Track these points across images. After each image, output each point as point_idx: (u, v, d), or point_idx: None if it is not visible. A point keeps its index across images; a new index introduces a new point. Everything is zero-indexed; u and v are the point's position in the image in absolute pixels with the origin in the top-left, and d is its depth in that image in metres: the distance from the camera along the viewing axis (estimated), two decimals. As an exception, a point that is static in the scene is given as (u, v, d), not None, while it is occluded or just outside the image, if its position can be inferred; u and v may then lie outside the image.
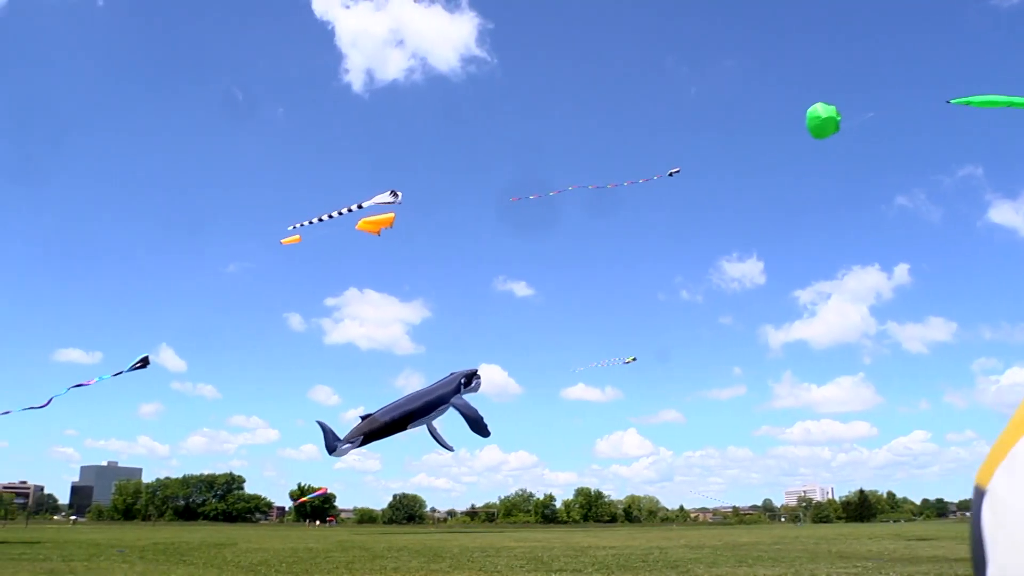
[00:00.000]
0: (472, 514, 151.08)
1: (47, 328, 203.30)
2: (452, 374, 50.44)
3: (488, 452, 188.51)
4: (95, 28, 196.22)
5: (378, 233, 34.31)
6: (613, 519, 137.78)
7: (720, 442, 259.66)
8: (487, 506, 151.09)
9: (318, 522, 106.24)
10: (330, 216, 31.09)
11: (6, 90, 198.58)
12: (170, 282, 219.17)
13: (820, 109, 16.16)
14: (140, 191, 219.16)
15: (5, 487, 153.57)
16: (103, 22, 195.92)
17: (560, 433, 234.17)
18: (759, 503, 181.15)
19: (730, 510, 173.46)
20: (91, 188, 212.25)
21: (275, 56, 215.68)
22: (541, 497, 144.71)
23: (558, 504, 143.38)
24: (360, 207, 31.07)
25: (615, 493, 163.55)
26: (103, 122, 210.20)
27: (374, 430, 47.49)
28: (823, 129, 16.47)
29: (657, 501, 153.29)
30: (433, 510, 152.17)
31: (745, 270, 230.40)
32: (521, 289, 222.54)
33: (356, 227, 34.55)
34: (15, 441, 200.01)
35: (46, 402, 25.95)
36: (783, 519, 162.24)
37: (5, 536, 37.44)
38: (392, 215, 34.49)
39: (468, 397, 49.44)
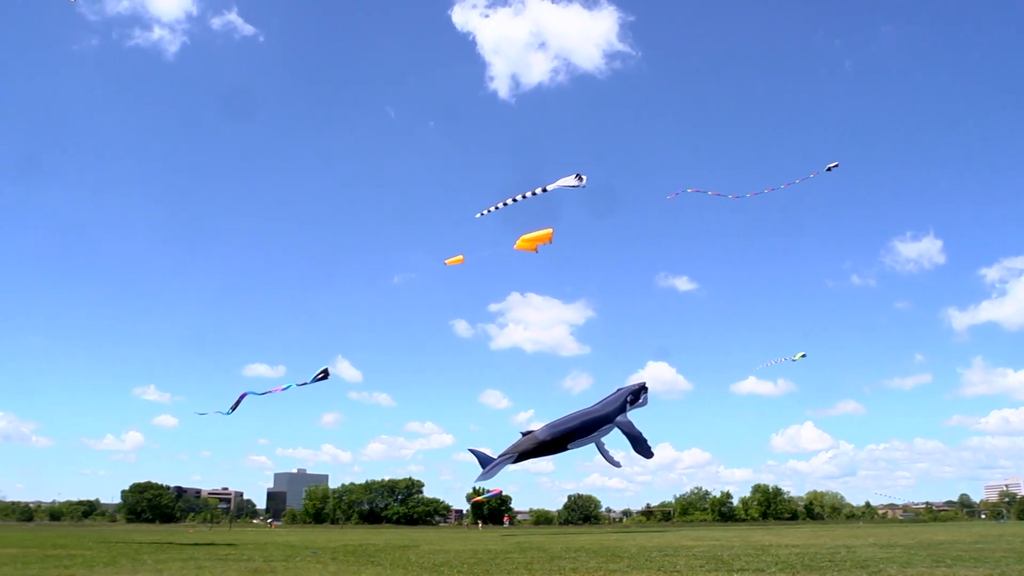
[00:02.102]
0: (647, 513, 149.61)
1: (238, 344, 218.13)
2: (619, 390, 49.56)
3: (661, 451, 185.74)
4: (261, 65, 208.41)
5: (535, 250, 34.65)
6: (793, 516, 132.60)
7: (906, 434, 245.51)
8: (662, 505, 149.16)
9: (484, 524, 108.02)
10: (514, 200, 31.40)
11: (200, 123, 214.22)
12: (342, 297, 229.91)
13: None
14: (311, 218, 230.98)
15: (210, 493, 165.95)
16: (266, 59, 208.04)
17: (733, 429, 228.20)
18: (954, 499, 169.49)
19: (922, 506, 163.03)
20: (269, 219, 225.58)
21: (422, 72, 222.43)
22: (717, 495, 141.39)
23: (735, 502, 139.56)
24: (544, 190, 31.24)
25: (794, 489, 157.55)
26: (272, 153, 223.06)
27: (531, 448, 47.12)
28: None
29: (841, 497, 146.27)
30: (608, 510, 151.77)
31: (922, 249, 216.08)
32: (683, 284, 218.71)
33: (514, 247, 35.02)
34: (216, 451, 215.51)
35: (240, 397, 28.37)
36: (983, 516, 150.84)
37: (212, 538, 40.23)
38: (550, 231, 34.77)
39: (638, 412, 48.62)
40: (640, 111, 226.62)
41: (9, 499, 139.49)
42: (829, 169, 34.90)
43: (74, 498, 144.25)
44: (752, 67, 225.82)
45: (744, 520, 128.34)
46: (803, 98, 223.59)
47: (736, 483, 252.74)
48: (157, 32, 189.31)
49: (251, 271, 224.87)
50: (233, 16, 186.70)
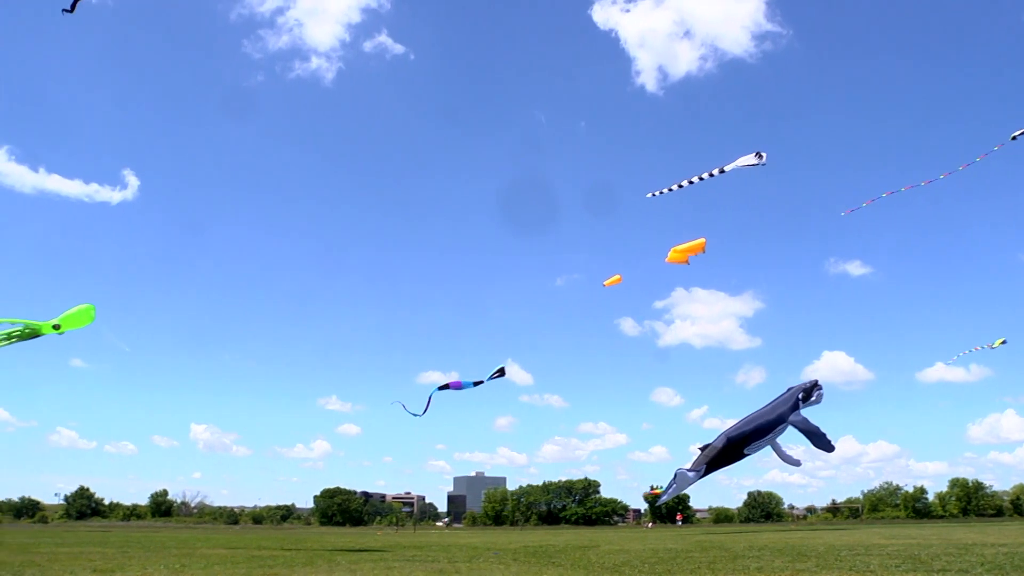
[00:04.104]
0: (833, 510, 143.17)
1: (412, 354, 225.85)
2: (790, 389, 47.96)
3: (843, 444, 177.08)
4: (413, 82, 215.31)
5: (686, 262, 33.98)
6: (998, 513, 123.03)
7: None
8: (848, 501, 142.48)
9: (655, 522, 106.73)
10: (690, 182, 30.92)
11: (361, 141, 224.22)
12: (507, 301, 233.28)
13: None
14: (472, 226, 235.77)
15: (394, 497, 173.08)
16: (417, 75, 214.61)
17: (922, 419, 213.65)
18: None
19: None
20: (433, 228, 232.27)
21: (569, 75, 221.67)
22: (910, 490, 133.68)
23: (930, 497, 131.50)
24: (722, 171, 30.53)
25: (997, 483, 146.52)
26: (429, 165, 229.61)
27: (713, 458, 46.35)
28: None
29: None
30: (791, 507, 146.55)
31: None
32: (856, 269, 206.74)
33: (666, 259, 34.49)
34: (397, 457, 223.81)
35: (429, 398, 31.06)
36: None
37: (398, 541, 41.89)
38: (703, 241, 34.02)
39: (812, 410, 46.81)
40: (796, 93, 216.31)
41: (216, 504, 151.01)
42: (1014, 138, 32.15)
43: (272, 503, 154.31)
44: (917, 36, 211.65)
45: (942, 517, 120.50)
46: (981, 67, 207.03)
47: (930, 477, 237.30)
48: (315, 62, 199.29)
49: (418, 279, 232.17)
50: (383, 38, 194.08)
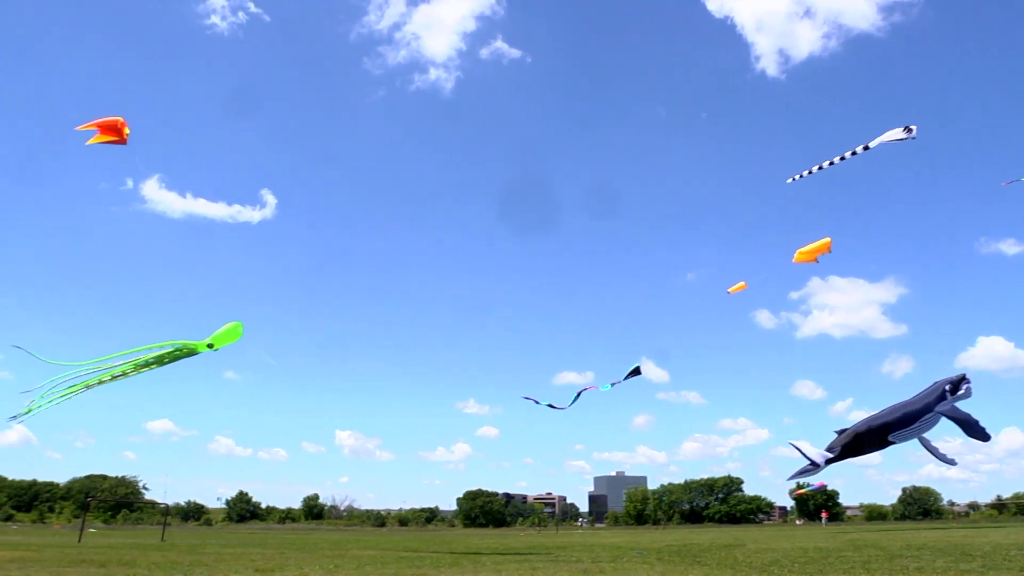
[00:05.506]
0: (999, 506, 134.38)
1: (547, 356, 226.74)
2: (935, 383, 45.68)
3: (1009, 436, 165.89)
4: (531, 85, 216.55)
5: (815, 260, 32.81)
6: None
7: None
8: (1016, 496, 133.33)
9: (801, 520, 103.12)
10: (831, 163, 29.85)
11: (483, 147, 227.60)
12: (636, 299, 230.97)
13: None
14: (600, 224, 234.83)
15: (536, 498, 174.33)
16: (535, 78, 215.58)
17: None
18: None
19: None
20: (557, 223, 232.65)
21: (686, 66, 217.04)
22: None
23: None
24: (867, 148, 29.21)
25: None
26: (555, 165, 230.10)
27: (851, 443, 44.79)
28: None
29: None
30: (950, 503, 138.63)
31: None
32: (1010, 247, 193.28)
33: (793, 260, 33.42)
34: (537, 458, 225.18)
35: (578, 394, 32.22)
36: None
37: (541, 541, 42.16)
38: (828, 240, 32.80)
39: (963, 403, 44.29)
40: (932, 64, 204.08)
41: (363, 507, 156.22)
42: None
43: (417, 505, 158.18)
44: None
45: None
46: None
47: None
48: (433, 73, 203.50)
49: (550, 281, 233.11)
50: (499, 43, 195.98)
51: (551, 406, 33.86)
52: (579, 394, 32.58)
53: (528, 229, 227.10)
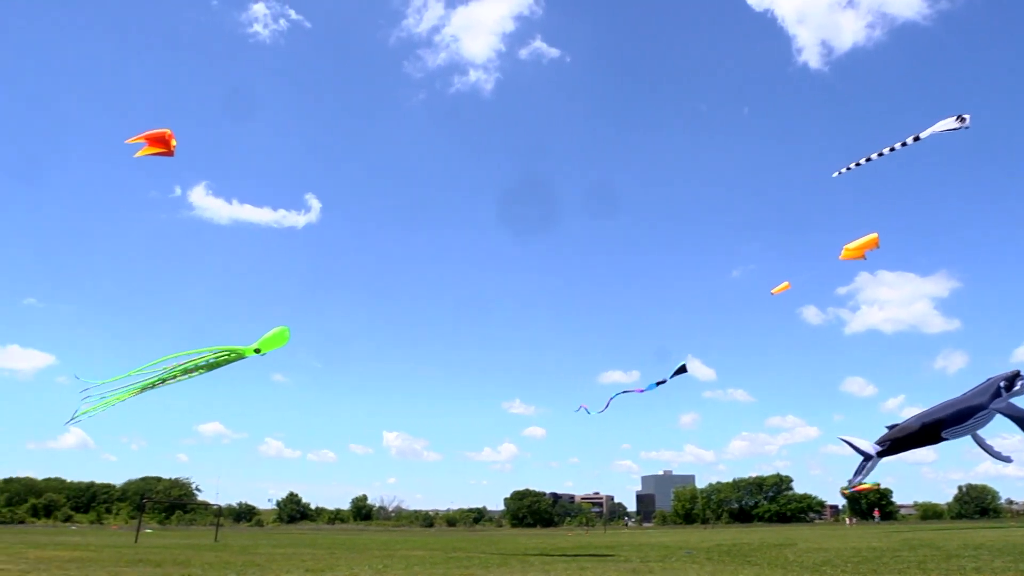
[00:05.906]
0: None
1: (594, 355, 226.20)
2: (989, 379, 44.72)
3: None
4: (571, 84, 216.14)
5: (863, 257, 32.23)
6: None
7: None
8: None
9: (852, 520, 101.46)
10: (880, 154, 29.25)
11: (523, 146, 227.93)
12: (682, 297, 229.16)
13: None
14: (643, 223, 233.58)
15: (583, 498, 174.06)
16: (575, 77, 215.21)
17: None
18: None
19: None
20: (601, 221, 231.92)
21: (727, 62, 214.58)
22: None
23: None
24: (917, 139, 28.60)
25: None
26: (596, 164, 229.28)
27: (901, 438, 44.19)
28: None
29: None
30: (1009, 501, 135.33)
31: None
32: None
33: (840, 257, 32.88)
34: (584, 457, 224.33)
35: (610, 399, 32.80)
36: None
37: (589, 540, 42.08)
38: (876, 236, 32.18)
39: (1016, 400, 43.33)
40: (980, 54, 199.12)
41: (411, 508, 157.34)
42: None
43: (464, 506, 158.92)
44: None
45: None
46: None
47: None
48: (473, 75, 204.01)
49: (594, 280, 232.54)
50: (538, 43, 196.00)
51: (592, 410, 34.41)
52: (613, 397, 33.03)
53: (574, 229, 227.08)
